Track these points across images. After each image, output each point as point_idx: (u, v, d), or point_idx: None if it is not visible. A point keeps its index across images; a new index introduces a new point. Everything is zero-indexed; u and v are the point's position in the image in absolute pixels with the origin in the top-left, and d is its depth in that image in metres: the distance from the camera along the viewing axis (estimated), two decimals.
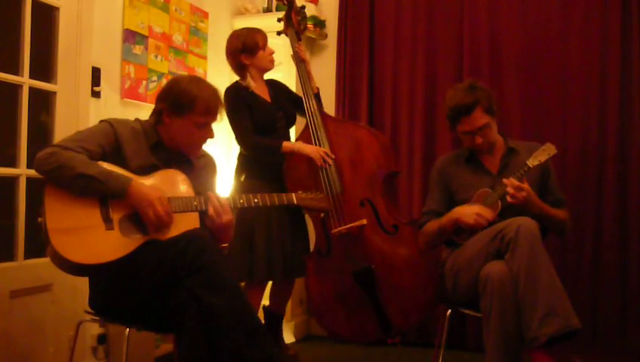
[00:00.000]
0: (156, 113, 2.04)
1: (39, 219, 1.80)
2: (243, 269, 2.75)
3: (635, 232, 3.07)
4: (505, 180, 2.27)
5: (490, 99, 2.40)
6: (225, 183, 3.47)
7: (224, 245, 2.10)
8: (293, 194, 2.16)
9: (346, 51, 3.65)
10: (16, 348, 2.32)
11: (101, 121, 2.00)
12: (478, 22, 3.38)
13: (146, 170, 1.96)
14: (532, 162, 2.31)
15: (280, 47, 3.28)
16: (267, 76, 3.01)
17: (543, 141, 2.60)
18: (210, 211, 1.95)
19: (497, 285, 2.04)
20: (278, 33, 3.17)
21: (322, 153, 2.79)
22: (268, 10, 3.83)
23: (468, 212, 2.31)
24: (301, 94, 2.97)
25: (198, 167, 2.14)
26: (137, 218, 1.87)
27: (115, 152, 1.93)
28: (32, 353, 2.40)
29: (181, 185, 2.00)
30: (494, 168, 2.47)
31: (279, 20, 3.17)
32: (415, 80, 3.50)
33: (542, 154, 2.32)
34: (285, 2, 3.10)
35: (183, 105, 1.97)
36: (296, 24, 3.09)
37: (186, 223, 1.93)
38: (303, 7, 3.22)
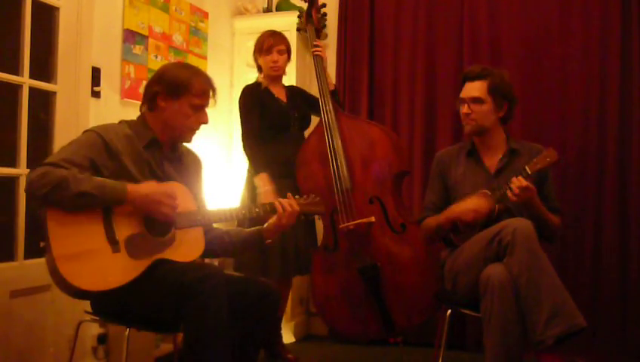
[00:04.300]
0: (149, 98, 1.99)
1: (42, 244, 1.77)
2: (257, 266, 2.77)
3: (635, 232, 3.07)
4: (514, 178, 2.22)
5: (503, 85, 2.40)
6: (225, 181, 3.48)
7: (268, 241, 2.11)
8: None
9: (346, 51, 3.65)
10: (16, 348, 2.32)
11: (85, 132, 1.92)
12: (478, 21, 3.38)
13: (145, 174, 1.93)
14: (531, 168, 2.23)
15: None
16: None
17: (542, 141, 2.61)
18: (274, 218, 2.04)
19: (498, 287, 2.04)
20: (298, 30, 3.26)
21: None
22: (268, 10, 3.82)
23: (464, 210, 2.30)
24: (317, 91, 3.00)
25: (186, 164, 2.13)
26: (143, 237, 1.85)
27: (109, 163, 1.85)
28: (32, 353, 2.40)
29: (187, 199, 1.99)
30: (493, 167, 2.46)
31: (299, 17, 3.19)
32: (415, 79, 3.50)
33: (542, 161, 2.24)
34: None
35: (179, 87, 1.95)
36: (316, 21, 3.14)
37: (191, 237, 1.95)
38: (324, 4, 3.25)
